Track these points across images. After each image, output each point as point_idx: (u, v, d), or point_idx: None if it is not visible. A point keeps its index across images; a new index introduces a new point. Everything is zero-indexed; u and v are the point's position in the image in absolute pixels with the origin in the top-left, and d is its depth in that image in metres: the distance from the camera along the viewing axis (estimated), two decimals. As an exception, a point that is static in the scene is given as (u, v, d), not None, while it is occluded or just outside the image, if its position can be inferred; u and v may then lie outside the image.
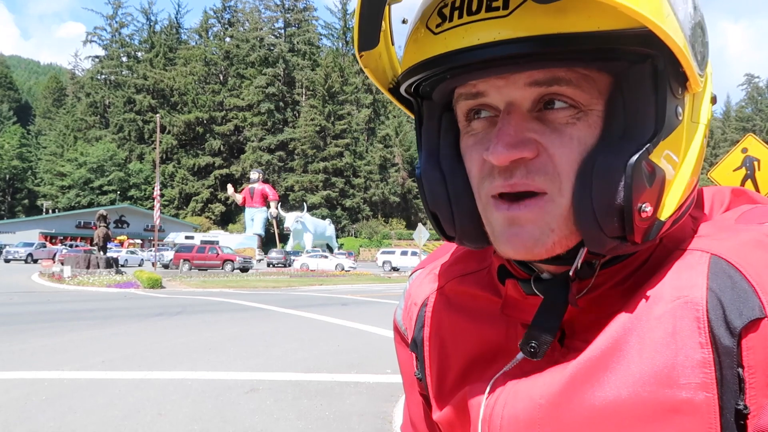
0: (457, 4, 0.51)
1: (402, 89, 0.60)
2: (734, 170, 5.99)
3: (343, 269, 37.44)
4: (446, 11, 0.52)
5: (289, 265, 40.67)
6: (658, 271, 0.53)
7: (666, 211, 0.51)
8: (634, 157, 0.48)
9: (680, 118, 0.51)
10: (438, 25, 0.52)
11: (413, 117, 0.63)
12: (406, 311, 0.74)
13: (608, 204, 0.49)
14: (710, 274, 0.49)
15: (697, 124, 0.54)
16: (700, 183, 0.59)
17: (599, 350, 0.52)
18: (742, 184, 5.87)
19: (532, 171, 0.51)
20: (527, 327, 0.58)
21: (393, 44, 0.62)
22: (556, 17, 0.47)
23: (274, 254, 44.35)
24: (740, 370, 0.46)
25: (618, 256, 0.54)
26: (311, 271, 36.23)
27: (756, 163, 5.89)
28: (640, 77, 0.49)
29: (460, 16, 0.50)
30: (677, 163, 0.52)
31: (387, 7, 0.54)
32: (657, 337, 0.49)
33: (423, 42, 0.54)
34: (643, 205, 0.49)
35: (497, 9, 0.48)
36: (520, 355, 0.58)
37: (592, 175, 0.49)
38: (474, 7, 0.50)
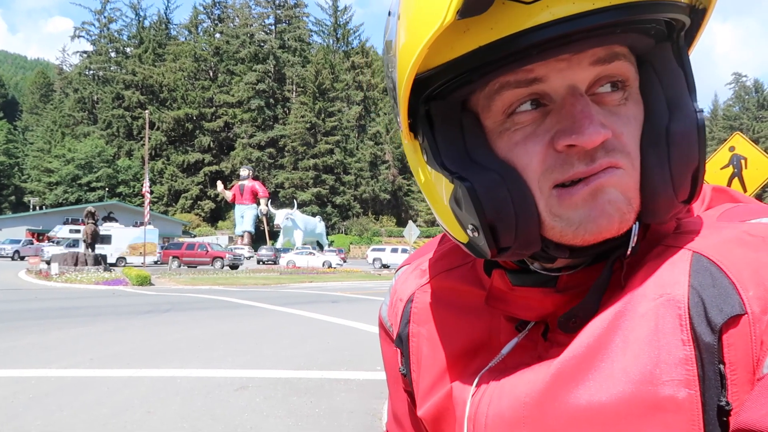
0: None
1: (435, 85, 0.52)
2: (722, 168, 6.03)
3: (330, 266, 37.40)
4: None
5: (279, 263, 40.60)
6: (641, 268, 0.53)
7: None
8: (700, 121, 0.50)
9: None
10: None
11: (407, 122, 0.56)
12: (391, 307, 0.73)
13: (686, 168, 0.51)
14: (692, 272, 0.49)
15: None
16: None
17: (583, 347, 0.52)
18: (729, 182, 5.92)
19: (610, 150, 0.50)
20: (509, 318, 0.60)
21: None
22: None
23: (264, 251, 44.22)
24: (721, 366, 0.46)
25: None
26: (297, 268, 36.15)
27: (743, 161, 5.94)
28: (670, 47, 0.52)
29: None
30: None
31: None
32: (640, 335, 0.49)
33: (505, 14, 0.47)
34: (702, 165, 0.52)
35: None
36: (504, 350, 0.59)
37: (668, 143, 0.50)
38: None
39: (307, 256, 39.68)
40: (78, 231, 37.93)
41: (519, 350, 0.58)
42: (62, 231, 42.78)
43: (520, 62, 0.48)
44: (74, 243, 36.31)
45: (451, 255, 0.69)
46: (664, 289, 0.49)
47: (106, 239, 37.16)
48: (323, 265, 37.76)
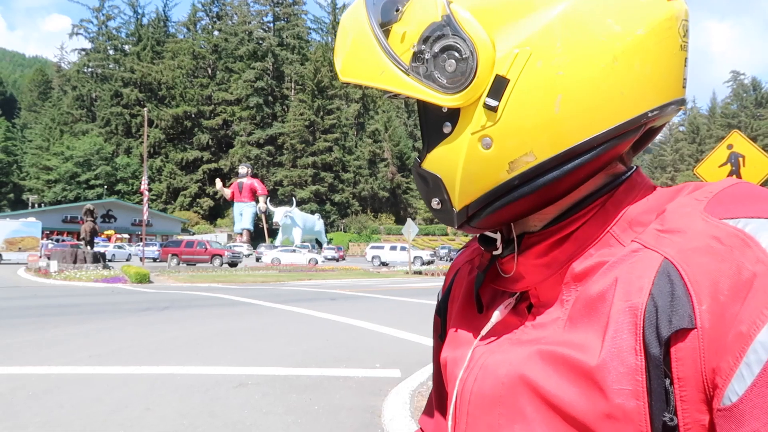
0: None
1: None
2: (720, 166, 6.04)
3: (315, 263, 37.44)
4: None
5: (278, 261, 40.66)
6: (620, 266, 0.51)
7: (457, 203, 0.58)
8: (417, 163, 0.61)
9: (446, 131, 0.56)
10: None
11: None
12: (446, 280, 0.77)
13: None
14: (656, 279, 0.47)
15: (479, 132, 0.54)
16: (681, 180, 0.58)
17: (557, 342, 0.53)
18: (728, 180, 5.92)
19: None
20: (508, 294, 0.64)
21: None
22: None
23: (263, 249, 44.22)
24: (667, 381, 0.45)
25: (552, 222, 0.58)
26: (279, 265, 36.22)
27: (741, 159, 5.95)
28: (420, 107, 0.59)
29: None
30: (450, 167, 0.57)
31: None
32: (605, 339, 0.49)
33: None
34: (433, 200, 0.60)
35: None
36: (494, 318, 0.62)
37: None
38: None
39: (289, 254, 39.66)
40: None
41: (508, 323, 0.61)
42: None
43: None
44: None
45: None
46: (630, 297, 0.48)
47: None
48: (309, 262, 37.80)
